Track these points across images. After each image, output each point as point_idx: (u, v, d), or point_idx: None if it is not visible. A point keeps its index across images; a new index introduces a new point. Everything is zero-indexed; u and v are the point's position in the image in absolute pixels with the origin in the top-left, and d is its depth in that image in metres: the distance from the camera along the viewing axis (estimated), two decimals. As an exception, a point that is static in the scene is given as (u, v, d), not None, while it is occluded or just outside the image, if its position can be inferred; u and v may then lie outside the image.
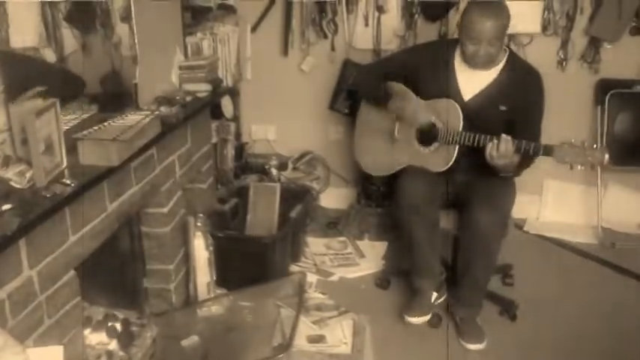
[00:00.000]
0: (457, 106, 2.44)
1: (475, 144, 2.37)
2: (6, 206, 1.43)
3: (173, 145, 2.36)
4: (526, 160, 2.36)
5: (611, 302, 2.71)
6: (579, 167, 2.22)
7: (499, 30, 2.31)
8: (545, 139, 2.43)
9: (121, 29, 2.22)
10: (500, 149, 2.25)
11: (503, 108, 2.43)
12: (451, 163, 2.46)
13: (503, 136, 2.25)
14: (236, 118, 3.45)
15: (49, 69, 2.01)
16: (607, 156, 2.18)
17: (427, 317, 2.47)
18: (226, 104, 3.23)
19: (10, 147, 1.60)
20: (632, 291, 2.83)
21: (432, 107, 2.51)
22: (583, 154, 2.19)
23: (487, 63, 2.40)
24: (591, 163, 2.21)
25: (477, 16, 2.31)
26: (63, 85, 2.00)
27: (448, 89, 2.47)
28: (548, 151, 2.24)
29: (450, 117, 2.45)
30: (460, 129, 2.42)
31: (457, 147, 2.44)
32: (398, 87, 2.61)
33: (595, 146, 2.21)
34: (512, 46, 3.02)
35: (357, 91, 2.90)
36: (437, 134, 2.49)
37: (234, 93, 3.38)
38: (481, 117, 2.42)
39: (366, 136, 2.78)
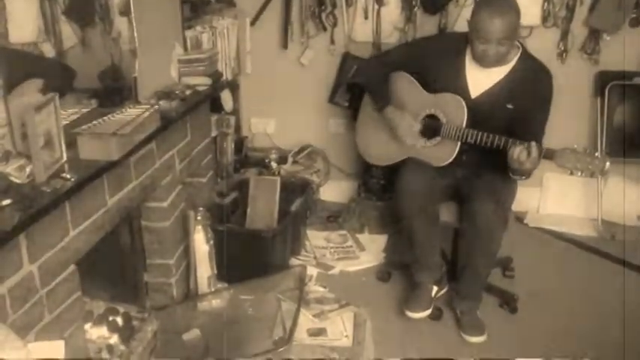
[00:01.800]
0: (462, 101, 2.43)
1: (477, 142, 2.36)
2: (6, 201, 1.43)
3: (173, 139, 2.36)
4: None
5: (612, 294, 2.72)
6: (579, 174, 2.20)
7: (509, 29, 2.27)
8: (545, 131, 2.42)
9: (120, 23, 2.21)
10: (533, 154, 2.19)
11: (510, 106, 2.41)
12: (452, 158, 2.46)
13: (532, 143, 2.21)
14: (236, 112, 3.44)
15: (38, 61, 2.00)
16: (608, 164, 2.15)
17: (428, 312, 2.48)
18: (226, 98, 3.22)
19: (10, 142, 1.60)
20: (632, 283, 2.83)
21: (436, 101, 2.50)
22: (584, 161, 2.17)
23: (497, 62, 2.38)
24: (591, 172, 2.19)
25: (486, 15, 2.27)
26: (53, 77, 1.99)
27: (456, 85, 2.46)
28: (549, 155, 2.22)
29: (453, 112, 2.44)
30: (464, 125, 2.41)
31: (459, 143, 2.43)
32: (403, 78, 2.60)
33: (597, 154, 2.18)
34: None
35: (361, 82, 2.87)
36: (439, 128, 2.48)
37: (233, 86, 3.37)
38: (487, 114, 2.40)
39: (369, 126, 2.77)
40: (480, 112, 2.42)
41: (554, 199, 3.44)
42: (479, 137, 2.35)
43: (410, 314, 2.46)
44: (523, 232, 3.26)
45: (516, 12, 2.30)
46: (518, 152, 2.22)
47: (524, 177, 2.36)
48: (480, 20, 2.29)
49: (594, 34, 3.17)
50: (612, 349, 2.38)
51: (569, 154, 2.19)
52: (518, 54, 2.43)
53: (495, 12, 2.26)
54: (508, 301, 2.62)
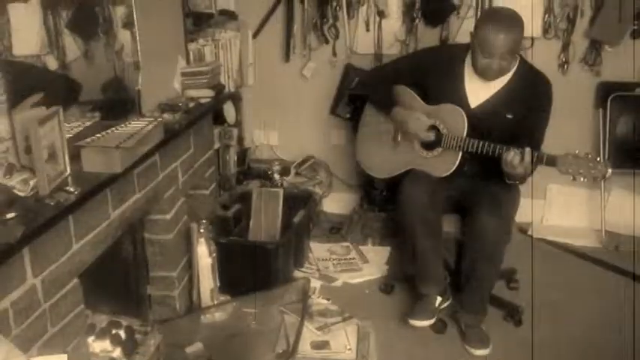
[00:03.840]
0: (462, 111, 2.43)
1: (478, 151, 2.36)
2: (10, 214, 1.43)
3: (176, 152, 2.36)
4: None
5: (616, 305, 2.70)
6: (582, 179, 2.20)
7: (513, 44, 2.28)
8: (547, 142, 2.43)
9: (123, 36, 2.22)
10: (526, 159, 2.21)
11: (509, 116, 2.42)
12: (453, 168, 2.46)
13: (527, 149, 2.22)
14: (238, 124, 3.45)
15: (45, 75, 2.00)
16: (610, 170, 2.16)
17: (431, 321, 2.46)
18: (228, 110, 3.24)
19: (14, 155, 1.60)
20: (637, 294, 2.82)
21: (436, 112, 2.51)
22: (586, 166, 2.17)
23: (498, 76, 2.39)
24: (594, 177, 2.19)
25: (491, 29, 2.27)
26: (59, 91, 2.00)
27: (455, 95, 2.47)
28: (551, 161, 2.22)
29: (454, 122, 2.45)
30: (464, 135, 2.41)
31: (460, 153, 2.43)
32: (404, 92, 2.62)
33: (599, 159, 2.18)
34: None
35: (366, 93, 2.88)
36: (440, 139, 2.49)
37: (236, 99, 3.38)
38: (487, 124, 2.41)
39: (369, 138, 2.78)
40: (480, 122, 2.43)
41: (558, 210, 3.43)
42: (480, 146, 2.35)
43: (413, 323, 2.44)
44: (527, 244, 3.24)
45: (521, 27, 2.31)
46: (511, 157, 2.23)
47: (517, 182, 2.37)
48: (485, 34, 2.29)
49: (595, 46, 3.18)
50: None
51: (572, 159, 2.19)
52: (517, 64, 2.44)
53: (501, 27, 2.26)
54: (513, 314, 2.60)
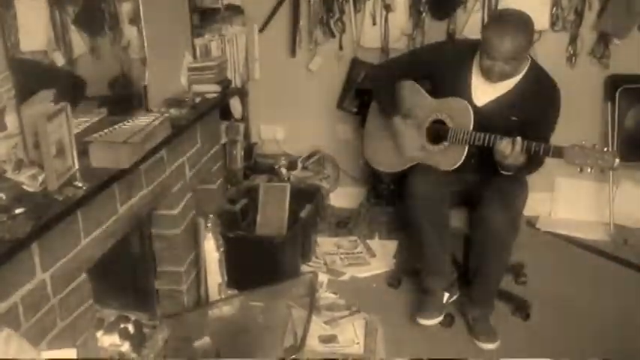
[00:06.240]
0: (468, 105, 2.41)
1: (485, 144, 2.35)
2: (19, 209, 1.44)
3: (183, 147, 2.36)
4: (535, 162, 2.34)
5: (625, 299, 2.69)
6: (589, 170, 2.19)
7: (518, 50, 2.24)
8: (555, 135, 2.41)
9: (130, 32, 2.23)
10: (516, 149, 2.21)
11: (514, 118, 2.39)
12: (460, 162, 2.45)
13: (518, 138, 2.22)
14: (245, 119, 3.45)
15: (50, 71, 2.01)
16: (617, 160, 2.15)
17: (439, 318, 2.46)
18: (235, 105, 3.24)
19: (23, 150, 1.61)
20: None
21: (443, 106, 2.50)
22: (593, 156, 2.16)
23: (501, 79, 2.35)
24: (601, 167, 2.18)
25: (496, 32, 2.23)
26: (65, 87, 2.00)
27: (460, 94, 2.44)
28: (558, 152, 2.21)
29: (460, 116, 2.44)
30: (470, 129, 2.40)
31: (467, 146, 2.42)
32: (410, 86, 2.61)
33: (606, 149, 2.18)
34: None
35: (371, 88, 2.87)
36: (446, 133, 2.48)
37: (242, 93, 3.38)
38: (491, 124, 2.37)
39: (376, 133, 2.77)
40: (484, 122, 2.40)
41: (566, 203, 3.41)
42: (486, 139, 2.34)
43: (421, 321, 2.45)
44: (535, 237, 3.24)
45: (529, 32, 2.26)
46: (503, 146, 2.23)
47: (510, 172, 2.36)
48: (490, 37, 2.25)
49: (604, 38, 3.15)
50: (626, 355, 2.35)
51: (578, 150, 2.18)
52: (527, 66, 2.39)
53: (507, 31, 2.22)
54: (520, 308, 2.60)
